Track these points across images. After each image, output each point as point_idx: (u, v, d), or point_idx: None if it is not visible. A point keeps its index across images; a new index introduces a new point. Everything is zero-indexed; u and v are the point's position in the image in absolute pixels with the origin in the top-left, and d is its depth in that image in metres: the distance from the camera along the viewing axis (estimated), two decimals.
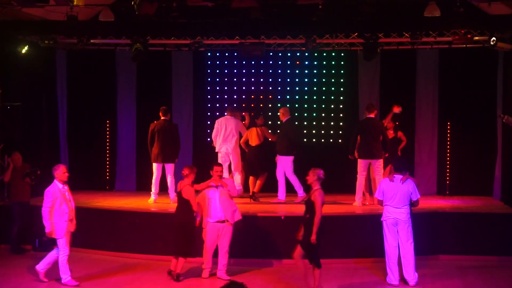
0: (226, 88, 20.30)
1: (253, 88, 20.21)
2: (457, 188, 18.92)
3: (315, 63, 19.96)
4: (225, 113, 17.73)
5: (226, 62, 20.27)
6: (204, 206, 13.21)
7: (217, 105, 20.18)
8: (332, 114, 19.88)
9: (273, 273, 13.86)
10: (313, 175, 12.25)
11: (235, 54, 19.51)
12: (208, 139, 19.42)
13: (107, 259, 14.99)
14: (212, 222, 13.18)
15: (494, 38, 15.67)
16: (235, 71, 20.26)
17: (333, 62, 19.90)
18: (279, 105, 19.32)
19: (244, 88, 20.25)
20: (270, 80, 20.19)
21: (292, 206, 16.53)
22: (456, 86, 18.95)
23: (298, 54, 19.84)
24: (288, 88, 20.09)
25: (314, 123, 19.91)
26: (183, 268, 13.19)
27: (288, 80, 20.10)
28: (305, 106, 19.97)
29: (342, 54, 19.73)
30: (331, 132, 19.89)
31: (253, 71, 20.19)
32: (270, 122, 19.95)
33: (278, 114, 17.76)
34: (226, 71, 20.30)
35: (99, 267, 14.31)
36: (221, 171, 13.40)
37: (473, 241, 15.21)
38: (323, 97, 19.93)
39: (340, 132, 19.79)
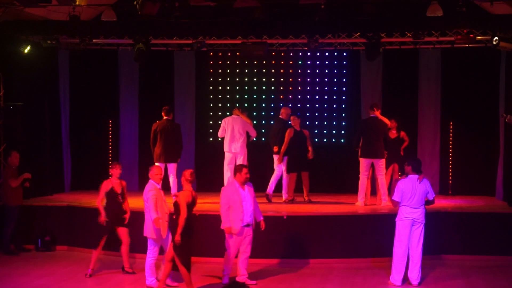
0: (228, 88, 20.28)
1: (255, 88, 20.19)
2: (460, 188, 18.88)
3: (317, 62, 19.94)
4: (228, 113, 17.72)
5: (228, 62, 20.23)
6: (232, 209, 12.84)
7: (220, 105, 20.16)
8: (335, 114, 19.87)
9: (275, 273, 13.86)
10: (182, 175, 12.19)
11: (237, 54, 19.49)
12: (211, 139, 19.43)
13: (110, 259, 14.99)
14: (242, 226, 12.76)
15: (496, 38, 15.64)
16: (237, 71, 20.24)
17: (335, 62, 19.89)
18: (281, 104, 19.35)
19: (246, 88, 20.22)
20: (272, 80, 20.17)
21: (295, 206, 16.54)
22: (458, 85, 18.94)
23: (300, 53, 19.82)
24: (290, 88, 20.07)
25: (317, 122, 19.90)
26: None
27: (291, 80, 20.08)
28: (307, 106, 19.96)
29: (345, 54, 19.73)
30: (333, 132, 19.88)
31: (255, 71, 20.17)
32: (272, 122, 19.93)
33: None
34: (228, 71, 20.28)
35: (101, 267, 14.31)
36: (248, 172, 13.02)
37: (476, 241, 15.19)
38: (325, 97, 19.92)
39: (343, 131, 19.79)
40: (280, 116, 17.69)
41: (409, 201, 12.67)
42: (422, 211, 12.74)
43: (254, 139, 17.72)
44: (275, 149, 17.33)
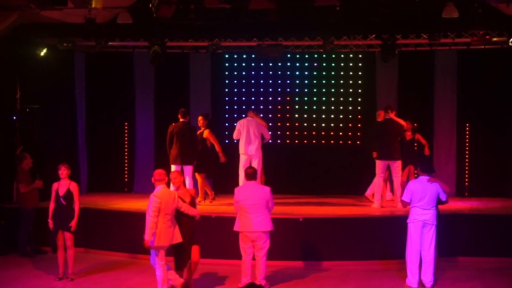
0: (244, 90, 20.28)
1: (271, 90, 20.17)
2: (476, 189, 18.84)
3: (333, 64, 19.90)
4: (243, 115, 17.69)
5: (243, 64, 20.23)
6: None
7: (235, 107, 20.16)
8: (350, 116, 19.82)
9: (291, 274, 13.83)
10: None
11: (253, 56, 19.50)
12: (227, 141, 19.42)
13: (125, 260, 15.03)
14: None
15: None
16: (253, 73, 20.24)
17: (350, 64, 19.85)
18: (296, 106, 19.39)
19: (262, 90, 20.21)
20: (288, 82, 20.15)
21: (311, 208, 16.50)
22: (474, 87, 18.87)
23: (315, 55, 19.78)
24: (306, 90, 20.03)
25: (332, 125, 19.87)
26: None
27: (306, 81, 20.06)
28: (323, 108, 19.92)
29: (360, 56, 19.67)
30: (349, 133, 19.83)
31: (271, 73, 20.16)
32: (288, 124, 19.97)
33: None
34: (244, 73, 20.28)
35: (116, 268, 14.35)
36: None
37: (492, 243, 15.08)
38: (341, 99, 19.88)
39: (358, 133, 19.73)
40: (377, 119, 17.60)
41: (419, 202, 12.58)
42: (434, 212, 12.63)
43: (270, 141, 17.76)
44: (375, 155, 17.18)
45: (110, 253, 15.58)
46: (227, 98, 20.34)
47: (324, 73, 19.99)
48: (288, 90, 20.14)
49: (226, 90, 20.34)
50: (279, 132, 20.01)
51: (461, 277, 13.53)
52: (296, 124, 20.01)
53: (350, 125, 19.84)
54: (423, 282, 12.69)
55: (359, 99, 19.86)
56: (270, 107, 20.11)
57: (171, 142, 16.68)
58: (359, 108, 19.84)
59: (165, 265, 11.86)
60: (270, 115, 19.88)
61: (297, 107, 19.97)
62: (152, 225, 11.58)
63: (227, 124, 19.93)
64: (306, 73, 20.06)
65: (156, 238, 11.63)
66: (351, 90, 19.88)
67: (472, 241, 15.15)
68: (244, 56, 20.04)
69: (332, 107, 19.90)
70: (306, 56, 19.82)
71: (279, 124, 20.05)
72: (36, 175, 15.70)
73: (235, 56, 20.13)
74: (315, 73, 20.02)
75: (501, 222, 15.30)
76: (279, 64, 19.89)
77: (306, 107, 19.93)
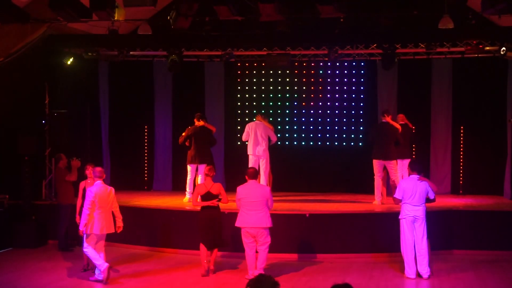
0: (254, 96, 20.29)
1: (279, 95, 20.18)
2: (470, 187, 18.80)
3: (337, 72, 19.91)
4: (254, 119, 17.70)
5: (254, 72, 20.25)
6: None
7: (247, 111, 20.17)
8: (353, 119, 19.82)
9: (298, 266, 13.83)
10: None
11: (263, 64, 19.50)
12: (238, 143, 19.44)
13: (145, 253, 15.05)
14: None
15: (504, 48, 15.58)
16: (263, 80, 20.25)
17: (353, 71, 19.84)
18: (303, 111, 19.41)
19: (271, 95, 20.22)
20: (295, 88, 20.16)
21: (317, 204, 16.51)
22: (468, 93, 18.85)
23: (321, 64, 19.76)
24: (312, 96, 20.03)
25: (336, 127, 19.86)
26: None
27: (312, 88, 20.06)
28: (328, 112, 19.91)
29: (362, 64, 19.67)
30: (352, 136, 19.82)
31: (279, 80, 20.17)
32: (295, 127, 19.98)
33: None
34: (254, 80, 20.30)
35: (137, 260, 14.38)
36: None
37: (485, 237, 15.06)
38: (345, 104, 19.87)
39: (360, 136, 19.72)
40: (401, 122, 17.49)
41: (410, 199, 12.60)
42: (423, 208, 12.63)
43: (279, 142, 17.76)
44: None
45: (131, 246, 15.60)
46: (239, 103, 20.36)
47: (329, 80, 19.98)
48: (295, 96, 20.15)
49: (238, 96, 20.37)
50: (287, 135, 20.02)
51: (456, 269, 13.51)
52: (303, 127, 20.02)
53: (352, 127, 19.84)
54: (420, 273, 12.67)
55: (361, 104, 19.85)
56: (279, 111, 20.12)
57: (185, 141, 16.71)
58: (361, 112, 19.84)
59: (92, 247, 12.40)
60: (279, 119, 19.91)
61: (304, 111, 19.97)
62: (85, 217, 12.34)
63: (238, 127, 19.95)
64: (312, 80, 20.06)
65: (89, 226, 12.30)
66: (354, 96, 19.87)
67: (467, 235, 15.12)
68: (255, 64, 20.02)
69: (337, 111, 19.89)
70: (312, 64, 19.82)
71: (287, 127, 20.07)
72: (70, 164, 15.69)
73: (247, 64, 20.13)
74: (320, 80, 20.01)
75: (494, 218, 15.28)
76: (287, 72, 19.87)
77: (312, 111, 19.93)
